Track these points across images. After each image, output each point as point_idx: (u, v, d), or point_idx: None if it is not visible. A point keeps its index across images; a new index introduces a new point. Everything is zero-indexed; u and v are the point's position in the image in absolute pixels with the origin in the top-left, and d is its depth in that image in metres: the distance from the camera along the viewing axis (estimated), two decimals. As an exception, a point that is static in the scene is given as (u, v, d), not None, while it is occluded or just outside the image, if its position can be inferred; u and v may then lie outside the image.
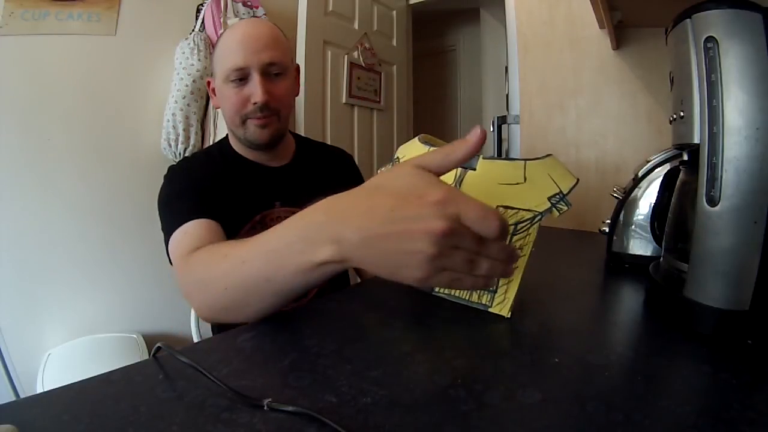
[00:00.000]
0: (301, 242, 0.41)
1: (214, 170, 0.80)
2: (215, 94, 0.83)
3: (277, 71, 0.77)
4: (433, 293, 0.51)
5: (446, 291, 0.50)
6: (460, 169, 0.53)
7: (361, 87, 2.06)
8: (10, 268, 1.33)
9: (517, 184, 0.49)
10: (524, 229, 0.48)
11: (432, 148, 0.56)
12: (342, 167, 0.96)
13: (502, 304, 0.48)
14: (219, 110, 1.51)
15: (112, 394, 0.35)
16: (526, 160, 0.50)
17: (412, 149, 0.59)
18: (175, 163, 0.83)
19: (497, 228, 0.35)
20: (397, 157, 0.60)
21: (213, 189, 0.76)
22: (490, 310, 0.48)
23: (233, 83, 0.74)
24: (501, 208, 0.49)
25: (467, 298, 0.49)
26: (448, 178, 0.53)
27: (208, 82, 0.85)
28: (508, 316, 0.47)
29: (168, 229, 0.68)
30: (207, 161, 0.82)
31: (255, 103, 0.74)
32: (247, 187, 0.82)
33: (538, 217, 0.48)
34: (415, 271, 0.36)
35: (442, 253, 0.35)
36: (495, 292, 0.48)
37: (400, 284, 0.54)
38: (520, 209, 0.48)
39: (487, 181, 0.50)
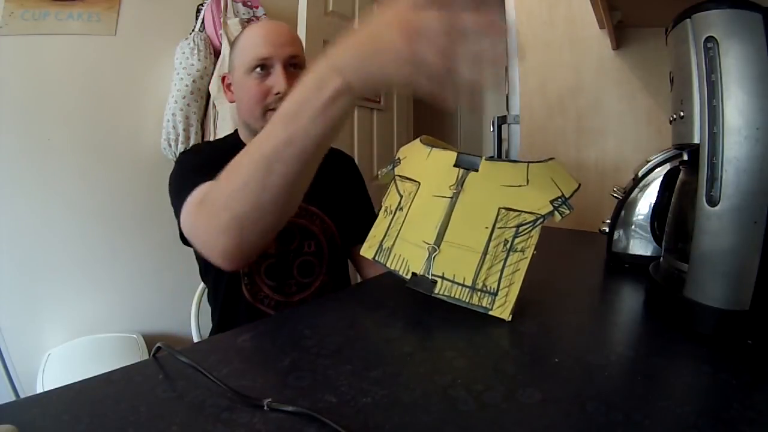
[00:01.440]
0: (312, 88, 0.43)
1: (224, 157, 0.79)
2: (229, 90, 0.83)
3: (298, 64, 0.79)
4: (433, 295, 0.51)
5: (446, 293, 0.50)
6: (462, 170, 0.52)
7: (361, 87, 2.06)
8: (10, 268, 1.33)
9: (520, 186, 0.49)
10: (526, 231, 0.48)
11: (433, 149, 0.56)
12: (344, 169, 0.96)
13: (503, 306, 0.47)
14: (219, 110, 1.51)
15: (112, 394, 0.35)
16: (528, 162, 0.50)
17: (414, 150, 0.59)
18: (184, 150, 0.84)
19: None
20: (398, 158, 0.60)
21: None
22: (490, 312, 0.47)
23: (255, 73, 0.75)
24: (503, 210, 0.49)
25: (467, 300, 0.49)
26: (450, 178, 0.53)
27: (223, 78, 0.85)
28: (509, 319, 0.47)
29: (179, 201, 0.63)
30: (217, 149, 0.82)
31: (277, 93, 0.75)
32: None
33: (540, 220, 0.48)
34: (397, 59, 0.37)
35: (412, 25, 0.36)
36: (496, 294, 0.48)
37: (400, 284, 0.54)
38: (522, 211, 0.48)
39: (489, 182, 0.51)
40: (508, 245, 0.48)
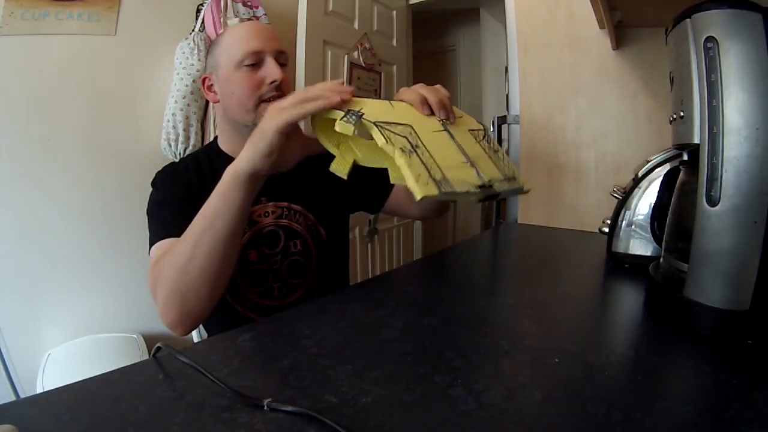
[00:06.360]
0: (218, 188, 0.58)
1: (200, 177, 0.80)
2: (211, 90, 0.82)
3: (284, 61, 0.80)
4: (500, 195, 0.56)
5: (502, 190, 0.55)
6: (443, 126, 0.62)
7: (361, 87, 2.06)
8: (10, 268, 1.33)
9: (461, 117, 0.63)
10: (488, 138, 0.63)
11: (392, 101, 0.61)
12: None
13: (524, 184, 0.57)
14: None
15: (112, 394, 0.35)
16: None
17: (368, 105, 0.58)
18: (161, 169, 0.84)
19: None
20: (358, 110, 0.56)
21: (198, 195, 0.75)
22: (524, 188, 0.57)
23: (246, 68, 0.76)
24: (471, 131, 0.62)
25: (513, 188, 0.57)
26: (431, 126, 0.60)
27: (203, 80, 0.84)
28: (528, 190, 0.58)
29: (150, 241, 0.74)
30: (195, 167, 0.82)
31: (272, 82, 0.76)
32: None
33: (488, 132, 0.64)
34: (270, 119, 0.55)
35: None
36: (516, 178, 0.58)
37: (400, 284, 0.54)
38: (478, 129, 0.63)
39: (461, 129, 0.62)
40: (491, 148, 0.61)
